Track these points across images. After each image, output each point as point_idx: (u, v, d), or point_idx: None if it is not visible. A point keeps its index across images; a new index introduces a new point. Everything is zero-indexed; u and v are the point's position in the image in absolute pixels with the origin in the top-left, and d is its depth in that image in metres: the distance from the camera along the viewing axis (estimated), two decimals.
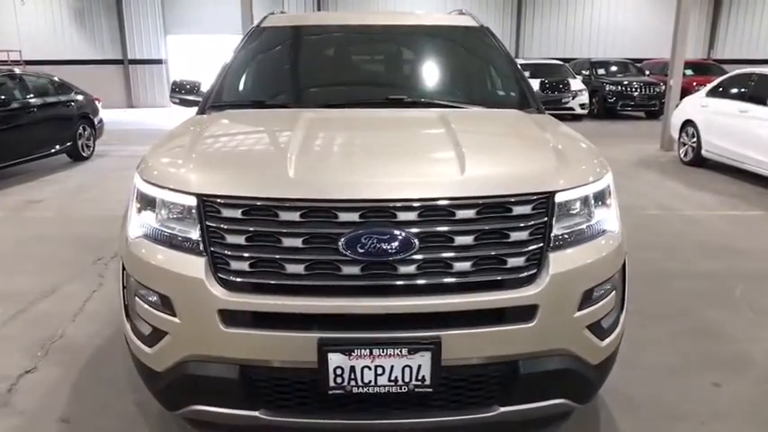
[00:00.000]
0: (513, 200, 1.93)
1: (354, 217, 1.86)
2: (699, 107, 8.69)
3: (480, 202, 1.90)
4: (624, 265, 2.20)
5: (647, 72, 16.77)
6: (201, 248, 1.92)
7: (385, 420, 1.99)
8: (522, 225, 1.93)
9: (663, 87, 13.75)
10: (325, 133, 2.47)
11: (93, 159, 9.80)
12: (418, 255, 1.86)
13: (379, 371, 1.86)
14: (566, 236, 1.99)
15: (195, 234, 1.94)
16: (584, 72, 16.57)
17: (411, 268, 1.86)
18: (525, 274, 1.92)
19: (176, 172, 2.10)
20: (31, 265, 4.64)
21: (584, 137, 2.58)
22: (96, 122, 10.10)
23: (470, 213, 1.90)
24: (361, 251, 1.83)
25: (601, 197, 2.13)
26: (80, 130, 9.55)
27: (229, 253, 1.89)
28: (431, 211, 1.88)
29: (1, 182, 7.83)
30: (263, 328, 1.87)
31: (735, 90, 8.13)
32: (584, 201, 2.07)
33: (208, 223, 1.92)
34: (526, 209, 1.94)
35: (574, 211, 2.04)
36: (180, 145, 2.38)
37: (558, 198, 1.98)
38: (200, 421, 2.23)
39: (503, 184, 1.95)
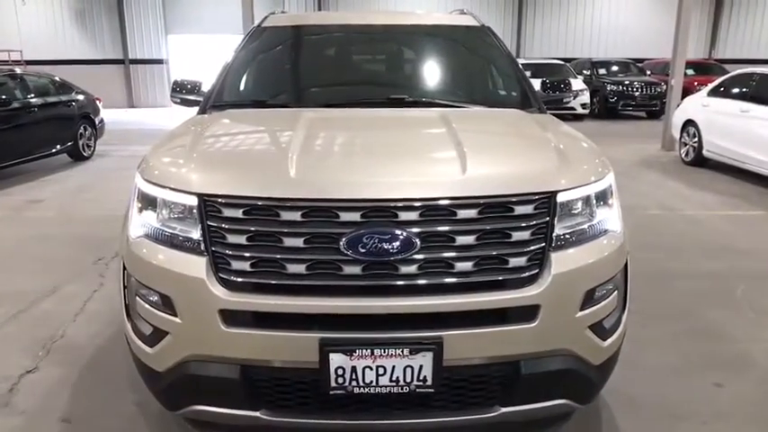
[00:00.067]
0: (514, 199, 1.92)
1: (356, 217, 1.85)
2: (700, 107, 8.68)
3: (482, 201, 1.90)
4: (626, 265, 2.20)
5: (649, 72, 16.77)
6: (202, 248, 1.92)
7: (386, 421, 1.99)
8: (523, 225, 1.92)
9: (664, 87, 13.75)
10: (326, 133, 2.47)
11: (94, 159, 9.80)
12: (420, 254, 1.85)
13: (381, 371, 1.85)
14: (567, 236, 1.99)
15: (196, 234, 1.93)
16: (585, 72, 16.58)
17: (412, 268, 1.86)
18: (527, 274, 1.92)
19: (177, 172, 2.09)
20: (31, 264, 4.64)
21: (585, 136, 2.57)
22: (97, 122, 10.10)
23: (472, 213, 1.89)
24: (363, 251, 1.83)
25: (603, 197, 2.12)
26: (81, 129, 9.56)
27: (230, 253, 1.89)
28: (432, 210, 1.88)
29: (2, 181, 7.83)
30: (264, 328, 1.87)
31: (736, 90, 8.12)
32: (586, 200, 2.06)
33: (209, 223, 1.92)
34: (528, 209, 1.94)
35: (576, 211, 2.03)
36: (181, 145, 2.37)
37: (560, 198, 1.98)
38: (200, 421, 2.22)
39: (504, 184, 1.95)
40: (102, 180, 8.15)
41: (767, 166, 7.11)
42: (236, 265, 1.88)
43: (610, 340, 2.11)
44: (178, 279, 1.92)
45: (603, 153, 2.36)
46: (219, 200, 1.91)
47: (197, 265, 1.90)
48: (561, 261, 1.94)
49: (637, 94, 15.24)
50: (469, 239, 1.88)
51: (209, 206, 1.93)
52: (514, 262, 1.91)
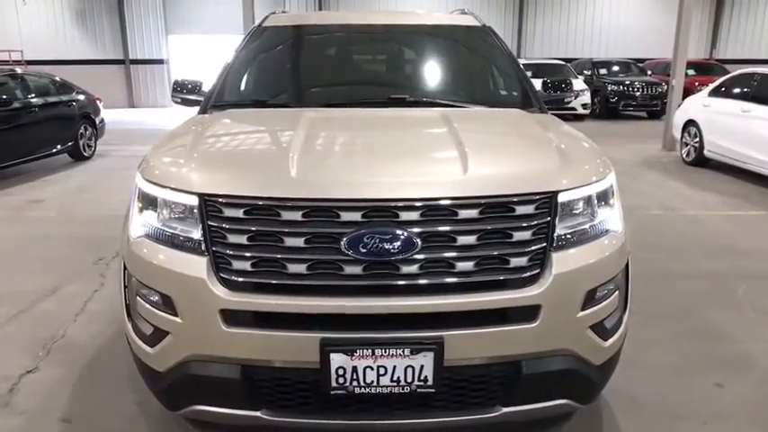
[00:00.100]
0: (515, 199, 1.92)
1: (357, 216, 1.85)
2: (701, 107, 8.67)
3: (483, 201, 1.89)
4: (627, 265, 2.19)
5: (650, 72, 16.76)
6: (203, 248, 1.92)
7: (387, 421, 1.98)
8: (524, 225, 1.92)
9: (665, 87, 13.75)
10: (327, 133, 2.46)
11: (95, 159, 9.81)
12: (421, 254, 1.85)
13: (382, 371, 1.85)
14: (569, 236, 1.99)
15: (197, 234, 1.93)
16: (586, 72, 16.57)
17: (413, 268, 1.86)
18: (528, 274, 1.91)
19: (178, 171, 2.09)
20: (32, 264, 4.64)
21: (586, 136, 2.57)
22: (98, 122, 10.10)
23: (473, 213, 1.89)
24: (364, 251, 1.82)
25: (604, 197, 2.12)
26: (81, 129, 9.56)
27: (231, 252, 1.88)
28: (433, 210, 1.87)
29: (3, 181, 7.83)
30: (264, 327, 1.87)
31: (737, 90, 8.12)
32: (588, 200, 2.06)
33: (209, 223, 1.91)
34: (529, 208, 1.93)
35: (577, 211, 2.03)
36: (181, 144, 2.37)
37: (561, 198, 1.98)
38: (201, 421, 2.22)
39: (506, 184, 1.95)
40: (103, 180, 8.15)
41: None
42: (236, 264, 1.88)
43: (611, 340, 2.11)
44: (179, 279, 1.92)
45: (604, 153, 2.36)
46: (220, 200, 1.91)
47: (198, 265, 1.90)
48: (562, 261, 1.94)
49: (638, 94, 15.23)
50: (470, 239, 1.88)
51: (209, 206, 1.92)
52: (515, 262, 1.91)
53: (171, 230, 1.99)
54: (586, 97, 14.40)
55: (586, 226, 2.04)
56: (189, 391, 2.03)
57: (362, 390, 1.87)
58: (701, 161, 8.62)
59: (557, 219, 1.96)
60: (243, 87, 3.41)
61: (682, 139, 9.14)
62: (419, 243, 1.84)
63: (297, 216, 1.87)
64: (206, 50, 19.74)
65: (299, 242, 1.86)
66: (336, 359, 1.83)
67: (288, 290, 1.87)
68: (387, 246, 1.82)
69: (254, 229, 1.88)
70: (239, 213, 1.89)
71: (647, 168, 8.78)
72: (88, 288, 4.11)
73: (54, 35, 19.67)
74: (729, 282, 4.22)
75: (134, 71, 20.55)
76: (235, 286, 1.88)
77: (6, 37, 18.61)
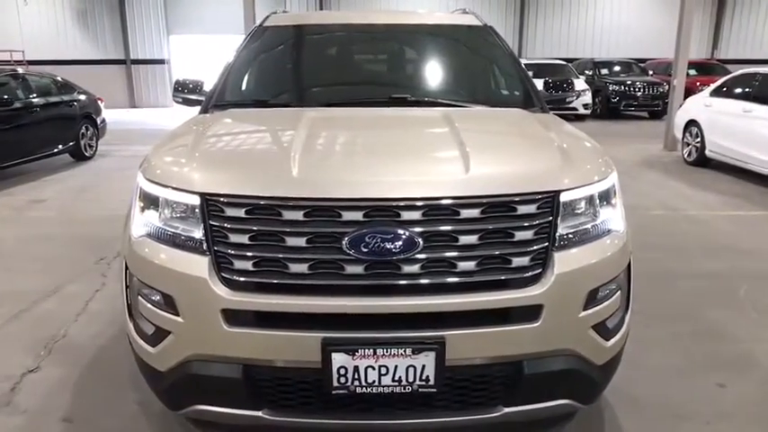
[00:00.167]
0: (517, 199, 1.92)
1: (358, 216, 1.85)
2: (702, 107, 8.67)
3: (485, 201, 1.89)
4: (629, 265, 2.19)
5: (651, 72, 16.75)
6: (205, 247, 1.91)
7: (388, 421, 1.98)
8: (526, 224, 1.92)
9: (666, 87, 13.75)
10: (328, 132, 2.46)
11: (96, 159, 9.81)
12: (422, 254, 1.85)
13: (383, 371, 1.85)
14: (570, 235, 1.98)
15: (198, 233, 1.93)
16: (587, 72, 16.56)
17: (415, 268, 1.85)
18: (530, 273, 1.91)
19: (179, 171, 2.09)
20: (33, 264, 4.65)
21: (588, 136, 2.57)
22: (99, 122, 10.11)
23: (475, 212, 1.88)
24: (365, 250, 1.82)
25: (606, 196, 2.12)
26: (83, 129, 9.57)
27: (233, 252, 1.88)
28: (435, 210, 1.87)
29: (4, 181, 7.84)
30: (266, 327, 1.87)
31: (739, 90, 8.11)
32: (589, 200, 2.05)
33: (211, 222, 1.91)
34: (531, 208, 1.93)
35: (579, 211, 2.03)
36: (183, 144, 2.37)
37: (563, 197, 1.97)
38: (202, 421, 2.22)
39: (507, 184, 1.94)
40: (104, 180, 8.15)
41: None
42: (238, 264, 1.88)
43: (613, 340, 2.11)
44: (180, 278, 1.92)
45: (606, 153, 2.36)
46: (222, 199, 1.91)
47: (199, 265, 1.90)
48: (564, 261, 1.93)
49: (639, 94, 15.22)
50: (472, 239, 1.88)
51: (211, 205, 1.92)
52: (517, 262, 1.90)
53: (172, 230, 1.99)
54: (588, 97, 14.40)
55: (588, 226, 2.03)
56: (190, 390, 2.02)
57: (364, 389, 1.87)
58: (702, 161, 8.61)
59: (559, 218, 1.96)
60: (244, 87, 3.40)
61: (683, 139, 9.13)
62: (421, 243, 1.83)
63: (298, 216, 1.86)
64: (207, 50, 19.75)
65: (301, 242, 1.86)
66: (338, 359, 1.83)
67: (289, 289, 1.86)
68: (388, 245, 1.82)
69: (255, 228, 1.88)
70: (241, 213, 1.89)
71: (648, 168, 8.77)
72: (89, 288, 4.11)
73: (55, 35, 19.69)
74: (731, 282, 4.22)
75: (135, 71, 20.57)
76: (236, 286, 1.88)
77: (7, 37, 18.63)
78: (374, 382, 1.86)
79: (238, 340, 1.88)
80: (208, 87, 3.39)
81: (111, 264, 4.59)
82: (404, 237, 1.83)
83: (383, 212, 1.85)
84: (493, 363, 1.93)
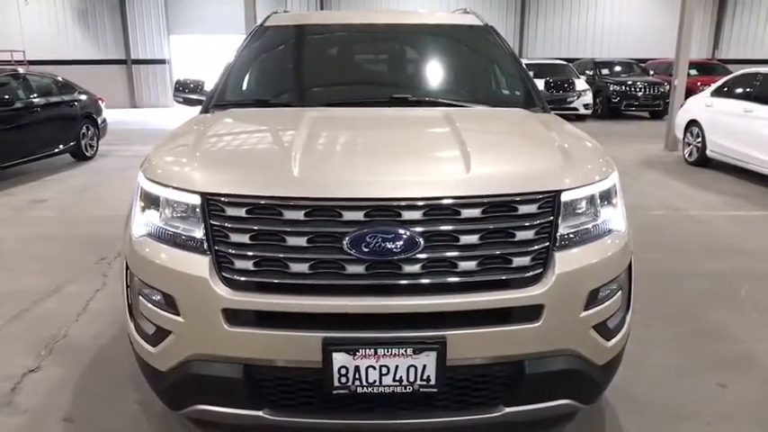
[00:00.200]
0: (518, 199, 1.92)
1: (359, 216, 1.85)
2: (703, 107, 8.66)
3: (486, 200, 1.89)
4: (630, 265, 2.19)
5: (652, 72, 16.74)
6: (205, 247, 1.91)
7: (389, 421, 1.98)
8: (527, 224, 1.92)
9: (667, 87, 13.73)
10: (329, 132, 2.46)
11: (97, 159, 9.81)
12: (423, 254, 1.85)
13: (384, 371, 1.85)
14: (571, 235, 1.98)
15: (199, 233, 1.93)
16: (587, 72, 16.56)
17: (416, 267, 1.85)
18: (531, 273, 1.91)
19: (180, 170, 2.09)
20: (34, 264, 4.65)
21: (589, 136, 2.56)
22: (99, 122, 10.11)
23: (476, 212, 1.88)
24: (366, 250, 1.82)
25: (607, 196, 2.11)
26: (83, 129, 9.57)
27: (233, 252, 1.88)
28: (436, 209, 1.87)
29: (5, 181, 7.84)
30: (267, 327, 1.86)
31: (740, 90, 8.10)
32: (591, 200, 2.05)
33: (212, 222, 1.91)
34: (532, 208, 1.93)
35: (580, 211, 2.03)
36: (184, 144, 2.37)
37: (564, 197, 1.97)
38: (203, 421, 2.22)
39: (508, 183, 1.94)
40: (105, 180, 8.16)
41: None
42: (239, 264, 1.88)
43: (614, 340, 2.10)
44: (181, 278, 1.92)
45: (607, 152, 2.35)
46: (222, 199, 1.91)
47: (200, 264, 1.90)
48: (565, 261, 1.93)
49: (640, 94, 15.21)
50: (473, 239, 1.88)
51: (212, 205, 1.92)
52: (518, 261, 1.90)
53: (173, 230, 1.99)
54: (588, 97, 14.39)
55: (589, 225, 2.03)
56: (191, 390, 2.02)
57: (365, 389, 1.87)
58: (703, 161, 8.60)
59: (560, 218, 1.96)
60: (245, 87, 3.41)
61: (684, 139, 9.13)
62: (422, 242, 1.83)
63: (299, 215, 1.86)
64: (208, 50, 19.75)
65: (302, 241, 1.86)
66: (339, 359, 1.82)
67: (290, 289, 1.86)
68: (389, 245, 1.82)
69: (256, 228, 1.87)
70: (242, 212, 1.89)
71: (649, 168, 8.77)
72: (90, 288, 4.11)
73: (56, 35, 19.70)
74: (732, 282, 4.21)
75: (136, 71, 20.57)
76: (237, 285, 1.88)
77: (8, 37, 18.64)
78: (375, 381, 1.86)
79: (239, 340, 1.88)
80: (208, 87, 3.39)
81: (111, 264, 4.59)
82: (405, 236, 1.83)
83: (384, 212, 1.85)
84: (494, 363, 1.92)
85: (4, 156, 7.75)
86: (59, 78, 9.60)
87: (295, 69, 3.64)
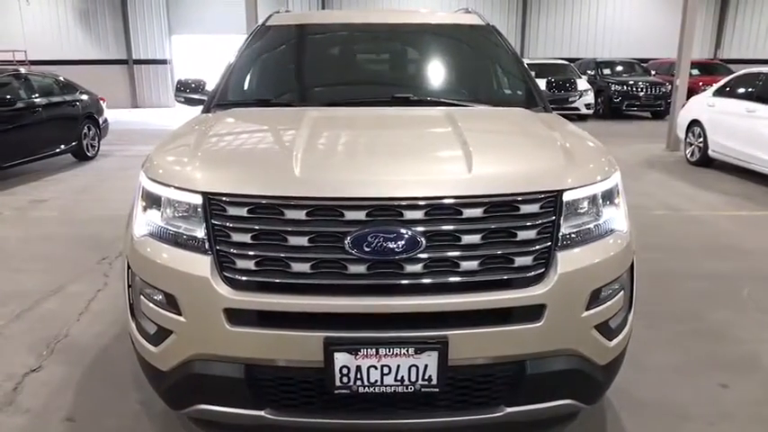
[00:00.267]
0: (520, 198, 1.92)
1: (360, 215, 1.85)
2: (705, 107, 8.65)
3: (487, 200, 1.89)
4: (632, 265, 2.18)
5: (653, 72, 16.72)
6: (207, 247, 1.91)
7: (391, 420, 1.98)
8: (529, 224, 1.91)
9: (669, 87, 13.73)
10: (330, 132, 2.46)
11: (98, 159, 9.82)
12: (425, 254, 1.84)
13: (386, 370, 1.84)
14: (573, 235, 1.98)
15: (201, 232, 1.93)
16: (589, 72, 16.54)
17: (417, 267, 1.85)
18: (533, 273, 1.91)
19: (182, 170, 2.09)
20: (35, 264, 4.65)
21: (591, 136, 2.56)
22: (101, 122, 10.12)
23: (477, 212, 1.88)
24: (368, 250, 1.82)
25: (609, 196, 2.11)
26: (85, 129, 9.58)
27: (235, 251, 1.88)
28: (437, 209, 1.87)
29: (6, 181, 7.85)
30: (268, 327, 1.86)
31: (742, 90, 8.09)
32: (593, 200, 2.05)
33: (213, 221, 1.91)
34: (534, 208, 1.93)
35: (582, 210, 2.02)
36: (185, 143, 2.37)
37: (566, 197, 1.97)
38: (205, 420, 2.22)
39: (510, 183, 1.94)
40: (106, 180, 8.16)
41: None
42: (240, 263, 1.88)
43: (616, 340, 2.10)
44: (182, 278, 1.92)
45: (609, 152, 2.35)
46: (224, 198, 1.91)
47: (201, 264, 1.90)
48: (567, 260, 1.93)
49: (641, 94, 15.20)
50: (475, 238, 1.87)
51: (213, 205, 1.92)
52: (520, 261, 1.90)
53: (175, 229, 1.99)
54: (590, 97, 14.37)
55: (591, 225, 2.03)
56: (192, 390, 2.02)
57: (366, 389, 1.86)
58: (705, 161, 8.59)
59: (562, 218, 1.95)
60: (246, 86, 3.41)
61: (686, 139, 9.12)
62: (423, 242, 1.83)
63: (300, 215, 1.86)
64: (209, 50, 19.76)
65: (303, 241, 1.85)
66: (340, 358, 1.82)
67: (292, 289, 1.86)
68: (391, 245, 1.82)
69: (257, 227, 1.87)
70: (243, 212, 1.89)
71: (650, 168, 8.76)
72: (91, 288, 4.11)
73: (57, 35, 19.72)
74: (734, 282, 4.20)
75: (137, 71, 20.60)
76: (238, 285, 1.87)
77: (10, 37, 18.67)
78: (376, 381, 1.86)
79: (240, 340, 1.88)
80: (210, 87, 3.39)
81: (113, 263, 4.59)
82: (406, 236, 1.82)
83: (386, 212, 1.85)
84: (495, 362, 1.92)
85: (6, 155, 7.76)
86: (61, 78, 9.62)
87: (296, 69, 3.64)
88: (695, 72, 14.74)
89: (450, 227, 1.87)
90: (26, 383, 2.89)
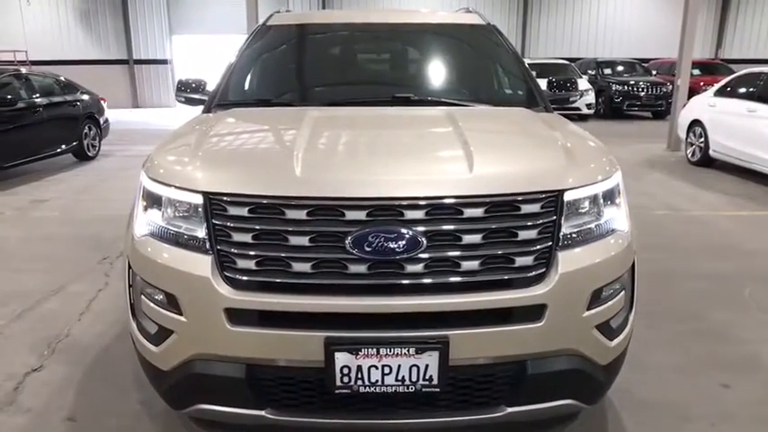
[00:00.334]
0: (521, 198, 1.91)
1: (361, 215, 1.84)
2: (706, 107, 8.64)
3: (488, 200, 1.89)
4: (633, 265, 2.18)
5: (654, 72, 16.72)
6: (208, 247, 1.91)
7: (391, 420, 1.98)
8: (530, 224, 1.91)
9: (670, 87, 13.72)
10: (331, 131, 2.46)
11: (99, 159, 9.83)
12: (425, 253, 1.84)
13: (386, 370, 1.84)
14: (574, 235, 1.98)
15: (201, 232, 1.93)
16: (590, 72, 16.54)
17: (418, 267, 1.85)
18: (534, 273, 1.90)
19: (182, 170, 2.09)
20: (36, 264, 4.65)
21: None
22: (102, 122, 10.12)
23: (478, 212, 1.88)
24: (368, 250, 1.82)
25: (610, 196, 2.11)
26: (86, 129, 9.58)
27: (236, 251, 1.88)
28: (438, 209, 1.87)
29: (7, 181, 7.86)
30: (269, 326, 1.86)
31: (743, 90, 8.08)
32: (593, 199, 2.05)
33: (214, 221, 1.91)
34: (535, 207, 1.93)
35: (583, 210, 2.02)
36: (186, 143, 2.37)
37: (567, 197, 1.97)
38: (205, 420, 2.22)
39: (511, 183, 1.94)
40: (107, 180, 8.17)
41: None
42: (241, 263, 1.88)
43: (617, 340, 2.10)
44: (183, 278, 1.92)
45: (610, 152, 2.35)
46: (225, 198, 1.91)
47: (202, 264, 1.90)
48: (568, 260, 1.93)
49: (642, 94, 15.19)
50: (476, 238, 1.87)
51: (214, 204, 1.92)
52: (521, 261, 1.90)
53: (175, 229, 1.99)
54: (591, 97, 14.36)
55: (592, 225, 2.03)
56: (193, 390, 2.02)
57: (367, 389, 1.86)
58: (706, 161, 8.59)
59: (562, 218, 1.95)
60: (247, 86, 3.41)
61: (687, 138, 9.11)
62: (424, 242, 1.83)
63: (301, 215, 1.86)
64: (210, 50, 19.77)
65: (304, 241, 1.85)
66: (341, 358, 1.82)
67: (292, 289, 1.86)
68: (392, 245, 1.82)
69: (258, 227, 1.87)
70: (244, 212, 1.89)
71: (651, 168, 8.75)
72: (92, 287, 4.11)
73: (58, 35, 19.74)
74: (735, 282, 4.20)
75: (138, 71, 20.62)
76: (239, 285, 1.87)
77: (10, 37, 18.70)
78: (377, 381, 1.85)
79: (241, 339, 1.88)
80: (210, 87, 3.39)
81: (114, 263, 4.59)
82: (407, 236, 1.82)
83: (386, 212, 1.85)
84: (496, 362, 1.92)
85: (7, 156, 7.76)
86: (62, 78, 9.62)
87: (297, 69, 3.64)
88: (696, 72, 14.72)
89: (451, 227, 1.87)
90: (27, 383, 2.89)
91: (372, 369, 1.84)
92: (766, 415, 2.65)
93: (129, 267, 2.15)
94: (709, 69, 16.22)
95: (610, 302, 2.04)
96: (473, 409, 1.98)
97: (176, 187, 2.00)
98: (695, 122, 8.82)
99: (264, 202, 1.88)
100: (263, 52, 3.59)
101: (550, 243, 1.93)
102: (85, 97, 9.73)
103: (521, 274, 1.90)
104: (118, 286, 4.05)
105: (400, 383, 1.86)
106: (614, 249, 2.05)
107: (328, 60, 3.65)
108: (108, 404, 2.71)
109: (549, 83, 3.68)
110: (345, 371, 1.84)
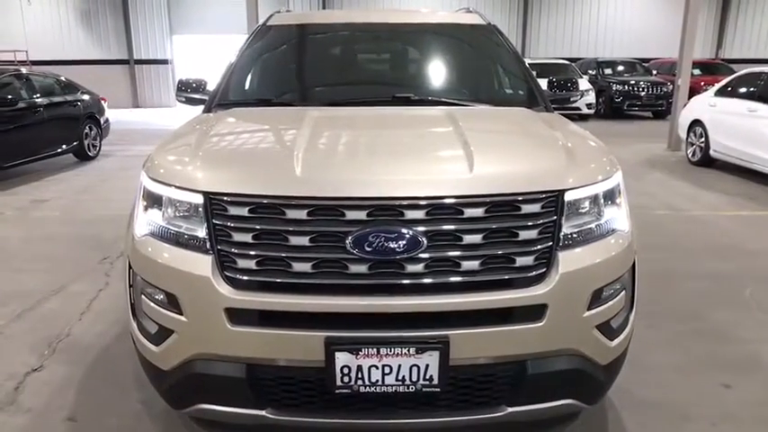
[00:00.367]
0: (521, 198, 1.91)
1: (362, 215, 1.84)
2: (707, 107, 8.64)
3: (489, 200, 1.89)
4: (634, 265, 2.18)
5: (655, 72, 16.71)
6: (208, 246, 1.91)
7: (392, 420, 1.98)
8: (530, 224, 1.91)
9: (670, 87, 13.72)
10: (331, 131, 2.46)
11: (99, 159, 9.83)
12: (426, 253, 1.84)
13: (387, 370, 1.84)
14: (575, 235, 1.97)
15: (202, 232, 1.93)
16: (590, 72, 16.54)
17: (419, 267, 1.85)
18: (534, 273, 1.90)
19: (183, 170, 2.09)
20: (37, 264, 4.65)
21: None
22: (102, 122, 10.13)
23: (479, 212, 1.88)
24: (369, 249, 1.82)
25: (610, 196, 2.11)
26: (86, 129, 9.59)
27: (236, 251, 1.88)
28: (439, 209, 1.87)
29: (8, 181, 7.86)
30: (269, 326, 1.86)
31: (743, 89, 8.08)
32: (594, 199, 2.05)
33: (214, 221, 1.91)
34: (535, 207, 1.92)
35: (583, 210, 2.02)
36: (186, 143, 2.37)
37: (568, 196, 1.96)
38: (206, 420, 2.22)
39: (512, 183, 1.94)
40: (108, 180, 8.17)
41: None
42: (241, 263, 1.88)
43: (617, 340, 2.10)
44: (184, 277, 1.92)
45: (611, 152, 2.35)
46: (225, 198, 1.91)
47: (203, 264, 1.90)
48: (568, 260, 1.93)
49: (643, 93, 15.19)
50: (476, 238, 1.87)
51: (214, 204, 1.92)
52: (521, 261, 1.90)
53: (176, 229, 1.99)
54: (591, 97, 14.36)
55: (593, 225, 2.03)
56: (194, 389, 2.03)
57: (367, 389, 1.86)
58: (706, 161, 8.58)
59: (563, 218, 1.95)
60: (247, 86, 3.41)
61: (687, 138, 9.11)
62: (424, 242, 1.83)
63: (302, 215, 1.86)
64: (210, 50, 19.78)
65: (304, 241, 1.85)
66: (341, 358, 1.82)
67: (293, 288, 1.86)
68: (392, 244, 1.82)
69: (258, 227, 1.87)
70: (244, 212, 1.89)
71: (652, 168, 8.75)
72: (93, 287, 4.12)
73: (59, 35, 19.76)
74: (736, 282, 4.20)
75: (138, 71, 20.63)
76: (240, 285, 1.87)
77: (11, 37, 18.71)
78: (377, 381, 1.85)
79: (242, 339, 1.88)
80: (211, 87, 3.39)
81: (114, 263, 4.59)
82: (408, 236, 1.82)
83: (387, 212, 1.85)
84: (497, 362, 1.92)
85: (8, 155, 7.77)
86: (62, 78, 9.62)
87: (297, 69, 3.64)
88: (697, 72, 14.73)
89: (452, 226, 1.87)
90: (28, 383, 2.89)
91: (373, 369, 1.84)
92: (767, 415, 2.65)
93: (130, 267, 2.15)
94: (710, 69, 16.22)
95: (610, 302, 2.04)
96: (473, 408, 1.98)
97: (177, 187, 2.00)
98: (696, 122, 8.82)
99: (265, 201, 1.88)
100: (264, 52, 3.59)
101: (551, 243, 1.93)
102: (86, 97, 9.73)
103: (521, 274, 1.90)
104: (118, 286, 4.05)
105: (400, 383, 1.86)
106: (615, 249, 2.05)
107: (328, 60, 3.65)
108: (108, 404, 2.71)
109: (550, 83, 3.68)
110: (346, 371, 1.84)
